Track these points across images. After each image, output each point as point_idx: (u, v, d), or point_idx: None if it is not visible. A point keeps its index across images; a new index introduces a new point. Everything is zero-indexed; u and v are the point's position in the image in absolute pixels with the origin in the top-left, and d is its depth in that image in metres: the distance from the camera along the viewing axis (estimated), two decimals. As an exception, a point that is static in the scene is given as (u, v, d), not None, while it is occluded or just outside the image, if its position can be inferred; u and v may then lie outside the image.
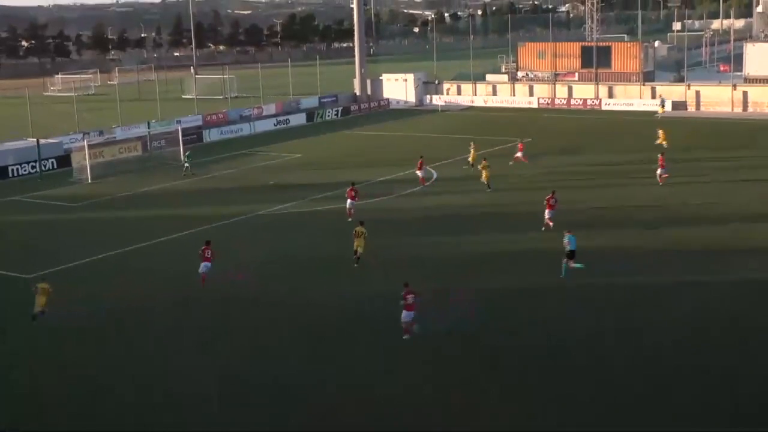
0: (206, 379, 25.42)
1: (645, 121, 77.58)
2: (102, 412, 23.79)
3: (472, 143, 57.54)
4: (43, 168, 60.33)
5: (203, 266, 33.31)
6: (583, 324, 28.86)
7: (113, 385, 25.45)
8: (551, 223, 39.32)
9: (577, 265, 33.32)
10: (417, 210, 45.55)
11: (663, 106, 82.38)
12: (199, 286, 33.03)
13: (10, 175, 59.25)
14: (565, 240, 33.62)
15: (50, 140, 64.41)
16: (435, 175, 54.14)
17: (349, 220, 41.52)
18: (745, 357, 25.84)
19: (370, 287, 32.91)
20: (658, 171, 49.06)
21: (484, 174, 49.07)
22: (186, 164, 58.43)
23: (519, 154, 56.79)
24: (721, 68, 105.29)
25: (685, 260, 35.35)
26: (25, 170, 60.04)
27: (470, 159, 55.98)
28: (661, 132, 61.93)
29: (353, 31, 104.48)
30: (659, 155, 50.35)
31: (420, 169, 51.19)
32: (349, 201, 43.03)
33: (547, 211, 39.81)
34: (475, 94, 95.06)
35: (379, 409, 23.39)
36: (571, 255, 33.45)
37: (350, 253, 35.40)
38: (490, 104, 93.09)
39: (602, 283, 32.64)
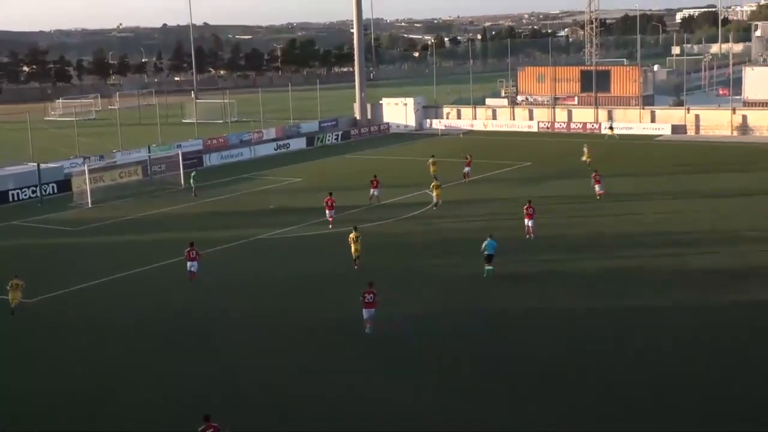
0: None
1: (645, 144, 77.73)
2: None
3: (431, 160, 59.47)
4: (43, 192, 60.36)
5: (190, 264, 36.57)
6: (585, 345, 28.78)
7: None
8: (533, 234, 42.28)
9: (489, 268, 36.42)
10: (417, 233, 45.51)
11: (612, 129, 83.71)
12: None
13: (11, 199, 59.27)
14: (484, 245, 36.52)
15: (51, 165, 64.51)
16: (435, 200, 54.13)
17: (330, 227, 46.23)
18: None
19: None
20: (596, 188, 51.29)
21: (435, 193, 50.75)
22: (192, 185, 59.19)
23: (467, 170, 59.38)
24: (721, 92, 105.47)
25: (684, 283, 35.26)
26: (25, 194, 60.09)
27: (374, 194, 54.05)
28: (586, 149, 64.84)
29: (353, 55, 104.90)
30: (593, 173, 52.37)
31: (375, 187, 52.61)
32: (327, 211, 46.88)
33: (526, 219, 42.51)
34: (475, 118, 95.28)
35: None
36: (489, 259, 36.39)
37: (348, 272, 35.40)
38: (490, 128, 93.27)
39: (604, 305, 32.56)
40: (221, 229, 47.90)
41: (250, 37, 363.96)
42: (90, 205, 56.69)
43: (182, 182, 62.83)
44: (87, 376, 27.90)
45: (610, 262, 38.75)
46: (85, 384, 27.27)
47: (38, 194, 60.13)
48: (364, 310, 30.25)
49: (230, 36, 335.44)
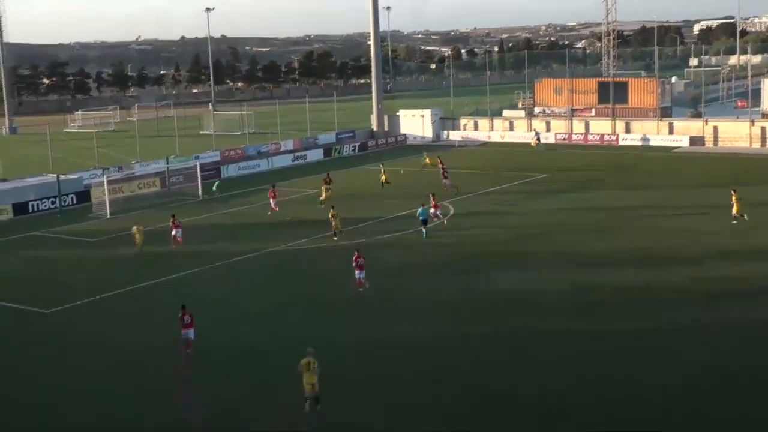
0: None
1: (663, 156, 77.55)
2: None
3: (324, 184, 58.72)
4: (63, 203, 60.76)
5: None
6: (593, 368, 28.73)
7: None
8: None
9: (423, 231, 45.82)
10: (430, 245, 45.53)
11: (538, 140, 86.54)
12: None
13: (31, 210, 59.69)
14: (418, 212, 46.44)
15: (70, 176, 64.98)
16: (452, 211, 54.22)
17: (269, 213, 53.99)
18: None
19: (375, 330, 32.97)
20: (437, 212, 49.90)
21: (334, 223, 47.06)
22: (215, 192, 61.38)
23: (272, 202, 55.79)
24: (739, 104, 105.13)
25: (698, 300, 35.08)
26: (45, 206, 60.49)
27: (322, 197, 56.49)
28: (426, 156, 68.75)
29: (370, 67, 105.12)
30: (431, 195, 50.59)
31: (273, 198, 55.33)
32: (272, 201, 54.46)
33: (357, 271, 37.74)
34: (492, 130, 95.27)
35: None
36: (423, 223, 46.14)
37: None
38: (507, 140, 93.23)
39: (621, 326, 32.50)
40: (238, 241, 48.09)
41: (267, 49, 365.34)
42: (109, 216, 57.02)
43: (200, 193, 63.12)
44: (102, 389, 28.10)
45: (630, 278, 38.68)
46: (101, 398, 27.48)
47: (58, 205, 60.54)
48: (356, 271, 36.66)
49: (248, 48, 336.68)
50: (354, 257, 37.02)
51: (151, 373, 29.10)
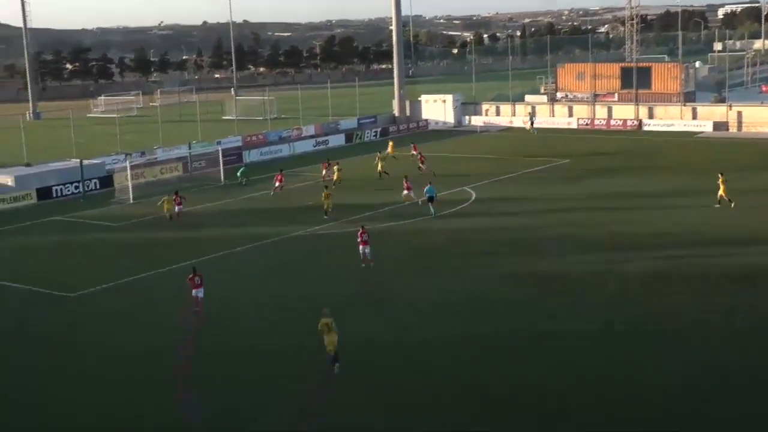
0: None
1: (686, 142, 77.10)
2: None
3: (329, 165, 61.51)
4: (85, 188, 61.14)
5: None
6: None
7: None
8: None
9: (431, 208, 47.76)
10: (450, 232, 45.52)
11: (531, 123, 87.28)
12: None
13: (54, 195, 60.09)
14: (425, 190, 48.38)
15: (93, 161, 65.34)
16: (474, 196, 54.19)
17: (272, 194, 56.04)
18: None
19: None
20: (410, 193, 51.12)
21: (326, 203, 49.04)
22: (241, 179, 61.85)
23: (276, 185, 57.45)
24: (763, 89, 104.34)
25: (724, 286, 34.91)
26: (68, 190, 60.87)
27: (335, 177, 59.39)
28: (390, 144, 70.39)
29: (392, 52, 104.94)
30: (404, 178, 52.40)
31: (279, 182, 57.04)
32: (277, 183, 56.42)
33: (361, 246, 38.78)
34: (514, 115, 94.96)
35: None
36: (431, 200, 47.91)
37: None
38: (529, 125, 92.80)
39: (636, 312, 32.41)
40: (259, 225, 48.26)
41: (289, 34, 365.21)
42: (131, 201, 57.32)
43: (222, 178, 63.35)
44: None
45: (655, 262, 38.53)
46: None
47: (81, 190, 60.91)
48: (360, 247, 37.85)
49: (270, 33, 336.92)
50: (359, 233, 38.27)
51: (174, 360, 29.31)
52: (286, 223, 48.31)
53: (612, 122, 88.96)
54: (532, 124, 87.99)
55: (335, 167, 60.32)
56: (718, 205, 47.73)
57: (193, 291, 33.03)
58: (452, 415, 24.11)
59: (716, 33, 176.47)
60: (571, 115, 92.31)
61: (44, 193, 59.67)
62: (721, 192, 47.78)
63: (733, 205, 47.19)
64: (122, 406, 25.46)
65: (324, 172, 61.12)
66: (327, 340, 26.73)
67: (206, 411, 24.86)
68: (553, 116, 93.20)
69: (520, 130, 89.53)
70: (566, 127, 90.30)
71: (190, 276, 33.20)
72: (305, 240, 45.03)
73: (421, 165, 62.43)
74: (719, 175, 48.40)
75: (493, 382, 26.21)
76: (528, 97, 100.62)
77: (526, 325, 30.62)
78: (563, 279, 36.08)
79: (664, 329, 29.76)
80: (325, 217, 48.40)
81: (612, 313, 31.51)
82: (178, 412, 24.87)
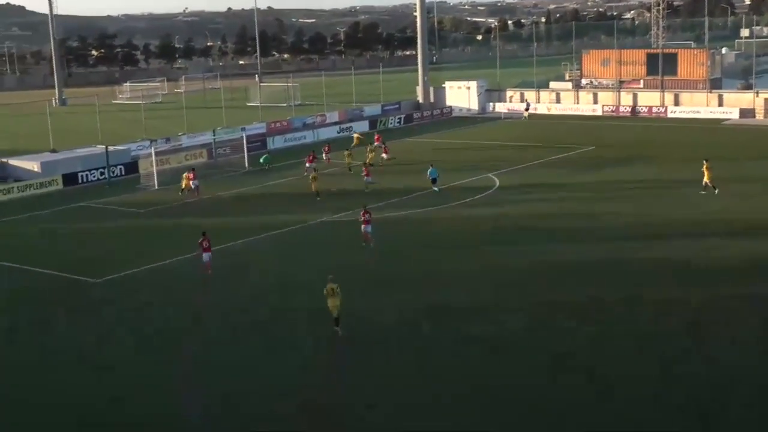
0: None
1: (711, 128, 76.57)
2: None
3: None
4: (111, 174, 61.53)
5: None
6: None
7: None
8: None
9: (435, 189, 51.26)
10: (474, 219, 45.50)
11: (527, 110, 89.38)
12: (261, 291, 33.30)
13: (80, 181, 60.50)
14: (428, 171, 52.03)
15: (118, 147, 65.69)
16: (497, 183, 54.13)
17: (305, 174, 56.80)
18: None
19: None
20: (369, 178, 53.49)
21: (314, 185, 51.67)
22: (265, 165, 62.52)
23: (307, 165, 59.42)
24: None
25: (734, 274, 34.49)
26: (93, 176, 61.26)
27: (369, 159, 60.36)
28: (356, 136, 71.71)
29: (416, 39, 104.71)
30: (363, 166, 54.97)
31: (310, 162, 59.00)
32: (307, 164, 58.30)
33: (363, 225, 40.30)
34: (539, 102, 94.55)
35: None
36: (433, 181, 51.66)
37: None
38: (553, 112, 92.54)
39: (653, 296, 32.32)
40: (283, 213, 48.41)
41: (313, 20, 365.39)
42: (156, 187, 57.64)
43: (246, 164, 63.58)
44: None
45: (679, 250, 38.37)
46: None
47: (106, 176, 61.30)
48: (362, 226, 39.77)
49: (294, 20, 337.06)
50: (362, 213, 40.20)
51: (207, 336, 29.57)
52: (309, 210, 48.41)
53: (637, 109, 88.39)
54: (527, 110, 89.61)
55: (368, 147, 63.57)
56: (703, 192, 47.79)
57: (204, 255, 36.24)
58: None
59: (743, 19, 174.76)
60: (596, 102, 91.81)
61: (70, 179, 60.08)
62: (705, 179, 47.88)
63: (717, 192, 47.18)
64: (143, 394, 25.73)
65: (324, 156, 63.33)
66: (331, 304, 28.99)
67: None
68: (578, 103, 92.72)
69: (544, 117, 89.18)
70: (591, 114, 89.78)
71: (200, 240, 36.37)
72: (328, 226, 45.18)
73: (384, 155, 63.79)
74: (704, 162, 48.55)
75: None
76: (552, 84, 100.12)
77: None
78: (582, 269, 36.03)
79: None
80: (318, 199, 50.58)
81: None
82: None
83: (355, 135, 74.29)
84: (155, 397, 25.32)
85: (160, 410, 24.47)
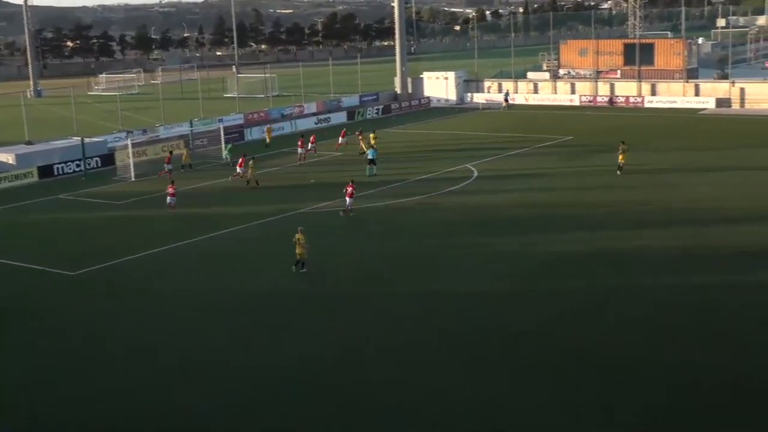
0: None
1: (688, 117, 76.89)
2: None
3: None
4: (87, 166, 61.04)
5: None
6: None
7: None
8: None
9: (373, 171, 52.85)
10: (452, 209, 45.49)
11: (507, 101, 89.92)
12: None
13: (56, 173, 59.97)
14: (369, 151, 54.20)
15: (95, 139, 65.21)
16: (475, 174, 54.12)
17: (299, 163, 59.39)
18: None
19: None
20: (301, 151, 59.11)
21: (251, 172, 52.78)
22: (227, 156, 61.23)
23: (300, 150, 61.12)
24: (767, 65, 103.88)
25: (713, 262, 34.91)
26: (69, 168, 60.74)
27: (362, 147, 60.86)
28: (267, 129, 71.43)
29: (394, 29, 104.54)
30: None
31: (301, 146, 60.63)
32: (300, 150, 60.20)
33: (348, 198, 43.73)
34: (517, 92, 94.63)
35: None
36: (370, 162, 53.18)
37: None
38: (531, 102, 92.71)
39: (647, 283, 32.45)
40: (260, 204, 48.20)
41: (291, 11, 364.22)
42: (133, 179, 57.24)
43: (224, 156, 63.27)
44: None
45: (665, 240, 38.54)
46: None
47: (82, 168, 60.82)
48: (346, 198, 42.88)
49: (271, 10, 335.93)
50: (348, 185, 43.19)
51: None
52: (283, 201, 48.25)
53: (615, 99, 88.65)
54: (506, 101, 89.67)
55: (359, 136, 63.26)
56: (619, 172, 51.02)
57: (168, 198, 45.88)
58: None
59: (720, 9, 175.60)
60: (573, 92, 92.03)
61: (46, 171, 59.55)
62: (620, 159, 51.25)
63: (619, 173, 50.79)
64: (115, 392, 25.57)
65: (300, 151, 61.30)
66: (298, 250, 34.26)
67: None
68: (556, 93, 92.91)
69: (522, 107, 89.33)
70: (569, 104, 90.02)
71: (168, 186, 46.20)
72: (314, 216, 45.07)
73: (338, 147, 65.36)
74: (621, 143, 52.16)
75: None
76: (530, 74, 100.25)
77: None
78: (567, 258, 36.12)
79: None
80: (257, 184, 52.09)
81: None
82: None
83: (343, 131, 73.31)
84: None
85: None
